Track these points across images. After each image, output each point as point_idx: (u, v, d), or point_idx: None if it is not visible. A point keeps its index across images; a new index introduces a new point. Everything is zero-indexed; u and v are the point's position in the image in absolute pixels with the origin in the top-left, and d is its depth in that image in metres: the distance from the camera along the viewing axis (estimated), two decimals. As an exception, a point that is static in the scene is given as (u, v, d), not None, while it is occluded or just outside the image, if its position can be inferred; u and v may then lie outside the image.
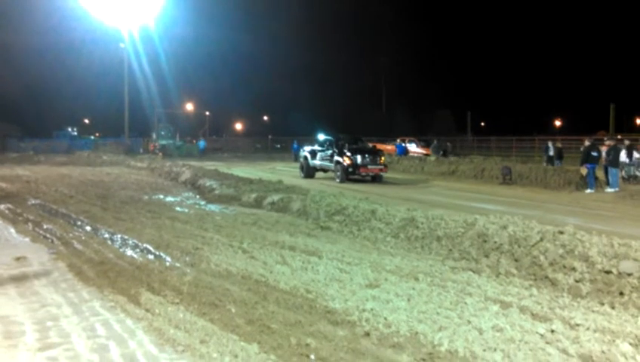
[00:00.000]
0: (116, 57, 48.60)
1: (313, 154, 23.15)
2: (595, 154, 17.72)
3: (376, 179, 21.20)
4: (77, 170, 25.76)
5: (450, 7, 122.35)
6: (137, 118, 56.18)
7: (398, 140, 43.61)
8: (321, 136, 24.41)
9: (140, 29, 45.34)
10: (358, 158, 20.70)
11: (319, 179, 22.41)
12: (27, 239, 9.21)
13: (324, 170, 22.63)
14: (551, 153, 26.61)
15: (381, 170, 21.13)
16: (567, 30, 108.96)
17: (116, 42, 46.71)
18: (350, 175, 20.67)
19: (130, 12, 42.71)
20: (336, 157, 21.16)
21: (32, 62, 71.21)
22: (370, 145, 25.32)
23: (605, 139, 21.21)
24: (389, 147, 39.77)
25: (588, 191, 17.20)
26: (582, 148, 18.51)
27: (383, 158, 21.62)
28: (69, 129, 65.98)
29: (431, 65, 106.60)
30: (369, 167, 20.78)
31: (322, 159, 22.48)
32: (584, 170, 17.56)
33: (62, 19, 52.95)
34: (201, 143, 47.94)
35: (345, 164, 20.60)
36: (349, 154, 20.84)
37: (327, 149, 22.23)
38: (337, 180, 20.80)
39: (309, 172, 23.22)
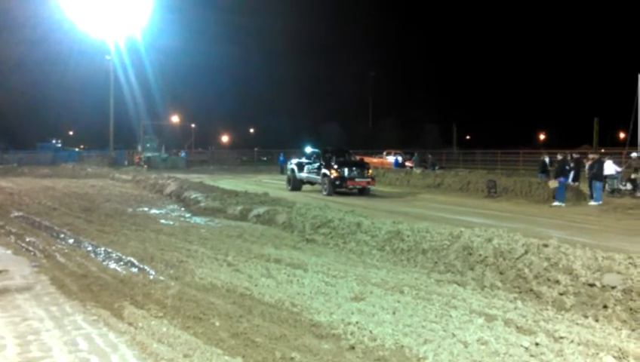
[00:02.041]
0: (102, 69, 48.48)
1: (300, 166, 23.13)
2: (567, 168, 17.99)
3: (363, 192, 21.17)
4: (61, 183, 25.53)
5: (437, 21, 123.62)
6: (123, 130, 55.99)
7: (384, 153, 43.78)
8: (309, 149, 24.41)
9: (126, 40, 45.29)
10: (345, 171, 20.72)
11: (306, 191, 22.39)
12: (9, 252, 9.09)
13: (312, 182, 22.60)
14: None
15: (369, 182, 21.13)
16: (552, 45, 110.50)
17: (102, 54, 46.57)
18: (337, 188, 20.66)
19: (117, 24, 42.64)
20: (324, 170, 21.17)
21: (17, 74, 70.70)
22: (358, 158, 25.38)
23: (589, 153, 21.46)
24: (375, 160, 39.82)
25: (556, 203, 17.29)
26: (556, 163, 18.83)
27: (370, 171, 21.67)
28: (54, 141, 65.47)
29: (418, 78, 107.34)
30: (356, 180, 20.79)
31: (309, 172, 22.46)
32: (554, 184, 17.75)
33: (47, 32, 52.71)
34: (183, 154, 48.27)
35: (332, 176, 20.60)
36: (336, 166, 20.85)
37: (315, 162, 22.22)
38: (324, 193, 20.77)
39: (296, 185, 23.19)
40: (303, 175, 22.87)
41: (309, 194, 21.24)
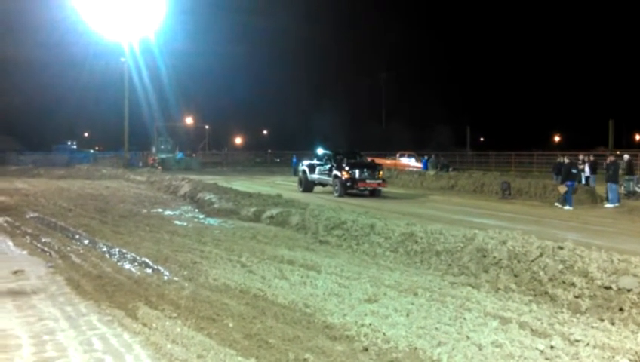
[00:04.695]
0: (116, 71, 48.70)
1: (312, 168, 23.15)
2: (574, 171, 17.89)
3: (374, 193, 21.17)
4: (76, 184, 25.75)
5: (450, 22, 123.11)
6: (137, 132, 56.17)
7: (397, 154, 43.66)
8: (320, 151, 24.45)
9: (141, 42, 45.53)
10: (357, 173, 20.74)
11: (318, 193, 22.39)
12: (25, 252, 9.19)
13: (323, 184, 22.62)
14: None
15: (380, 184, 21.14)
16: (566, 46, 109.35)
17: (117, 56, 46.81)
18: (348, 189, 20.67)
19: (131, 26, 42.88)
20: (335, 172, 21.18)
21: (32, 76, 71.32)
22: (369, 159, 25.35)
23: (605, 154, 21.32)
24: (388, 161, 39.61)
25: (566, 207, 17.12)
26: (563, 166, 18.69)
27: (381, 173, 21.68)
28: (69, 142, 66.10)
29: (430, 80, 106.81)
30: (367, 181, 20.81)
31: (321, 173, 22.48)
32: (563, 188, 17.61)
33: (63, 34, 52.97)
34: (179, 155, 48.68)
35: (343, 178, 20.62)
36: (347, 168, 20.86)
37: (326, 163, 22.24)
38: (336, 194, 20.79)
39: (308, 186, 23.21)
40: (315, 176, 22.90)
41: (320, 195, 21.23)
